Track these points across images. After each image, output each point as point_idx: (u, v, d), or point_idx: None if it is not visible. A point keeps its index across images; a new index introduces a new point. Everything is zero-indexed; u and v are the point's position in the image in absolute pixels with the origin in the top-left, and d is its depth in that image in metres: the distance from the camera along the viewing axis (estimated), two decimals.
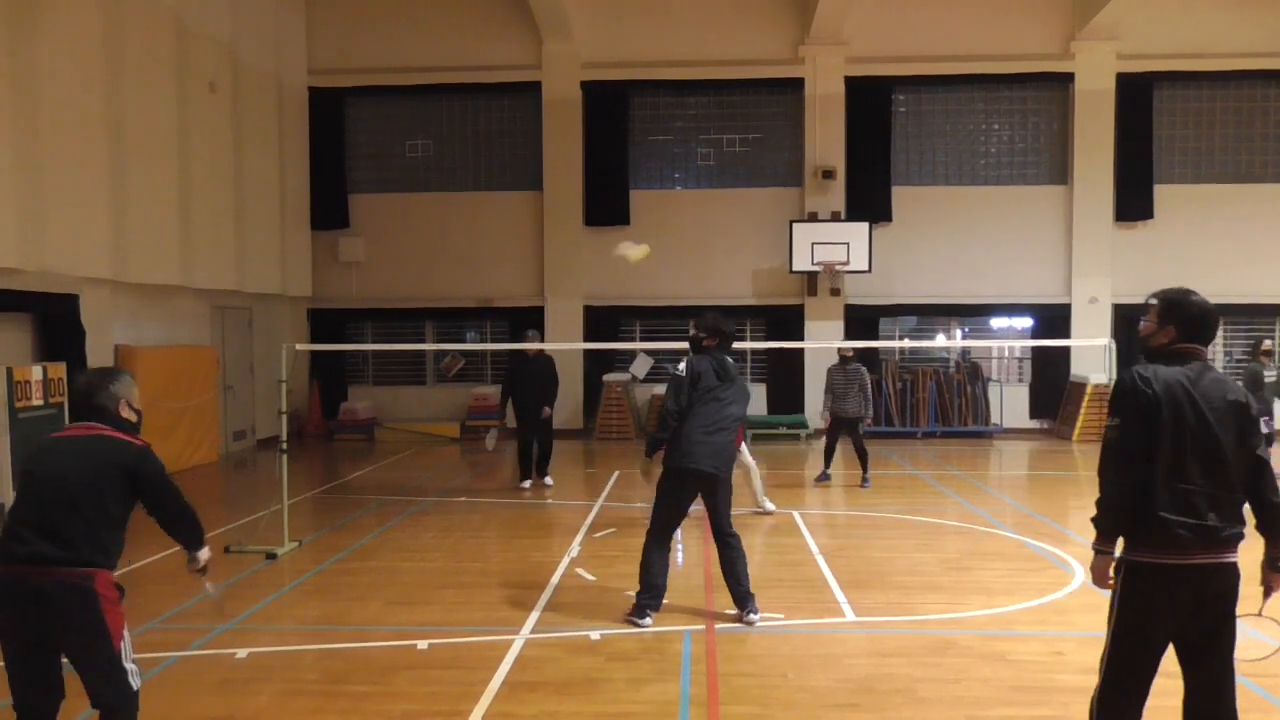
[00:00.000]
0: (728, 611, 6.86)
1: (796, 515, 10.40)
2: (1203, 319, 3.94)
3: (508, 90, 18.47)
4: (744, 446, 10.18)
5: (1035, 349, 18.22)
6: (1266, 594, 3.99)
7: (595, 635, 6.40)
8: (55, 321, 11.75)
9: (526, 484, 12.36)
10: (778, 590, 7.55)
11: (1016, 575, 7.92)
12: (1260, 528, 3.92)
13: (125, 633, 4.11)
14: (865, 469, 12.35)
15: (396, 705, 5.29)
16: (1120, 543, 3.88)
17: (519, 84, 18.29)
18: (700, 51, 18.06)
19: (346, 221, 18.67)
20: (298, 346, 10.09)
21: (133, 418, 4.43)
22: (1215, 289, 17.58)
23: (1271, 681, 5.52)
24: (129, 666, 4.09)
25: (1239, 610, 3.86)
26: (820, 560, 8.48)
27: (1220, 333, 17.93)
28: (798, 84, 18.04)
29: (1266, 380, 12.76)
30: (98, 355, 12.37)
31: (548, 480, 12.50)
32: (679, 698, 5.38)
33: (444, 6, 18.41)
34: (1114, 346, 13.10)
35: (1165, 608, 3.79)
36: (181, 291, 14.63)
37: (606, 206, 18.28)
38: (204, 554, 4.51)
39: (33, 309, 11.54)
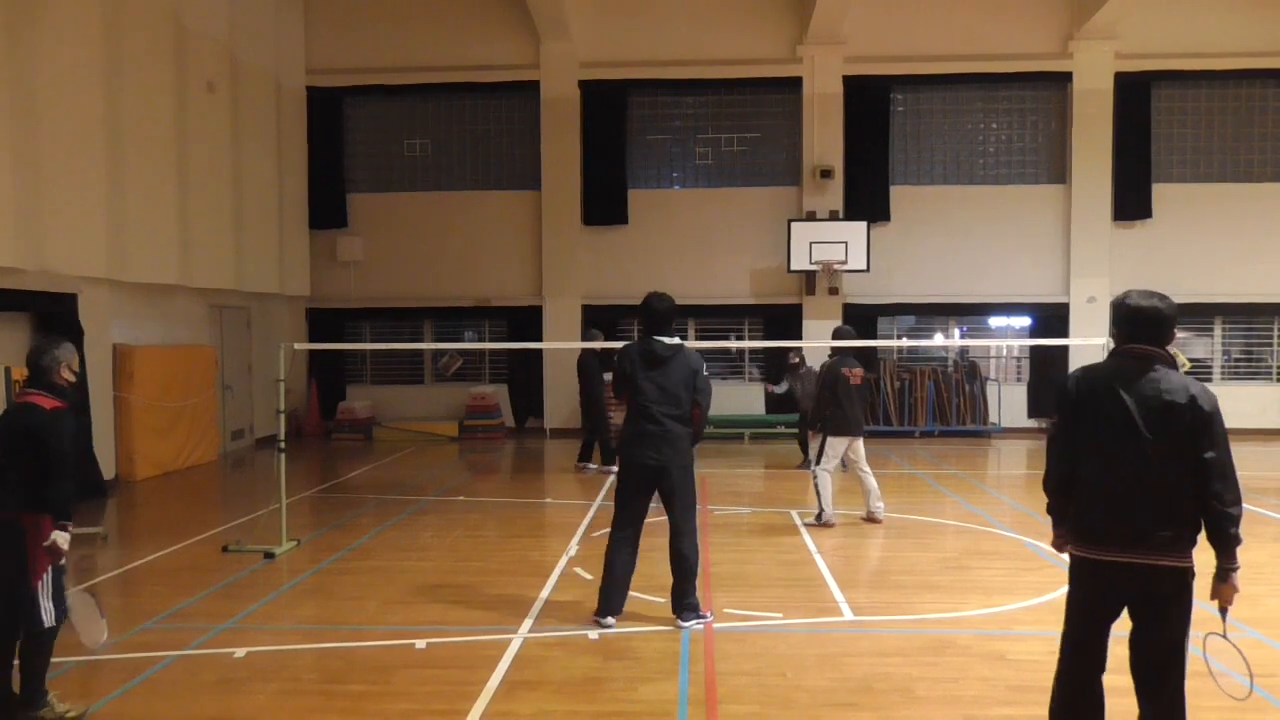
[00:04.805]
0: (726, 610, 6.87)
1: (795, 515, 10.40)
2: (1131, 318, 4.02)
3: (506, 90, 18.47)
4: (862, 453, 10.03)
5: (1033, 348, 18.23)
6: (1221, 611, 3.95)
7: (594, 635, 6.40)
8: (53, 321, 11.72)
9: (594, 466, 13.84)
10: (776, 589, 7.55)
11: (1015, 574, 7.93)
12: (1208, 536, 3.86)
13: (47, 573, 4.92)
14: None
15: (395, 704, 5.29)
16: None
17: (517, 83, 18.30)
18: (698, 51, 18.07)
19: (345, 221, 18.67)
20: (296, 346, 10.07)
21: (71, 378, 5.22)
22: (1213, 288, 17.91)
23: (1269, 681, 5.52)
24: (44, 603, 4.91)
25: (1203, 630, 3.95)
26: (818, 559, 8.48)
27: (1219, 331, 18.11)
28: (796, 83, 18.04)
29: None
30: (96, 354, 12.36)
31: (613, 468, 12.97)
32: (677, 697, 5.38)
33: (442, 6, 18.40)
34: (1112, 346, 13.09)
35: (1096, 597, 4.00)
36: (180, 291, 14.62)
37: (605, 206, 18.28)
38: (61, 537, 4.91)
39: (31, 308, 11.52)
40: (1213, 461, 3.77)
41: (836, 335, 10.25)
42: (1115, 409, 3.90)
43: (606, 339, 18.00)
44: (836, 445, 9.82)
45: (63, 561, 5.00)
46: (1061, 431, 4.08)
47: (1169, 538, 3.81)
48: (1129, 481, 3.86)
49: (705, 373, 6.76)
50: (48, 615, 4.93)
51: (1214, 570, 3.88)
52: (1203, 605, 4.03)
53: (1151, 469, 3.82)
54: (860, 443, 9.98)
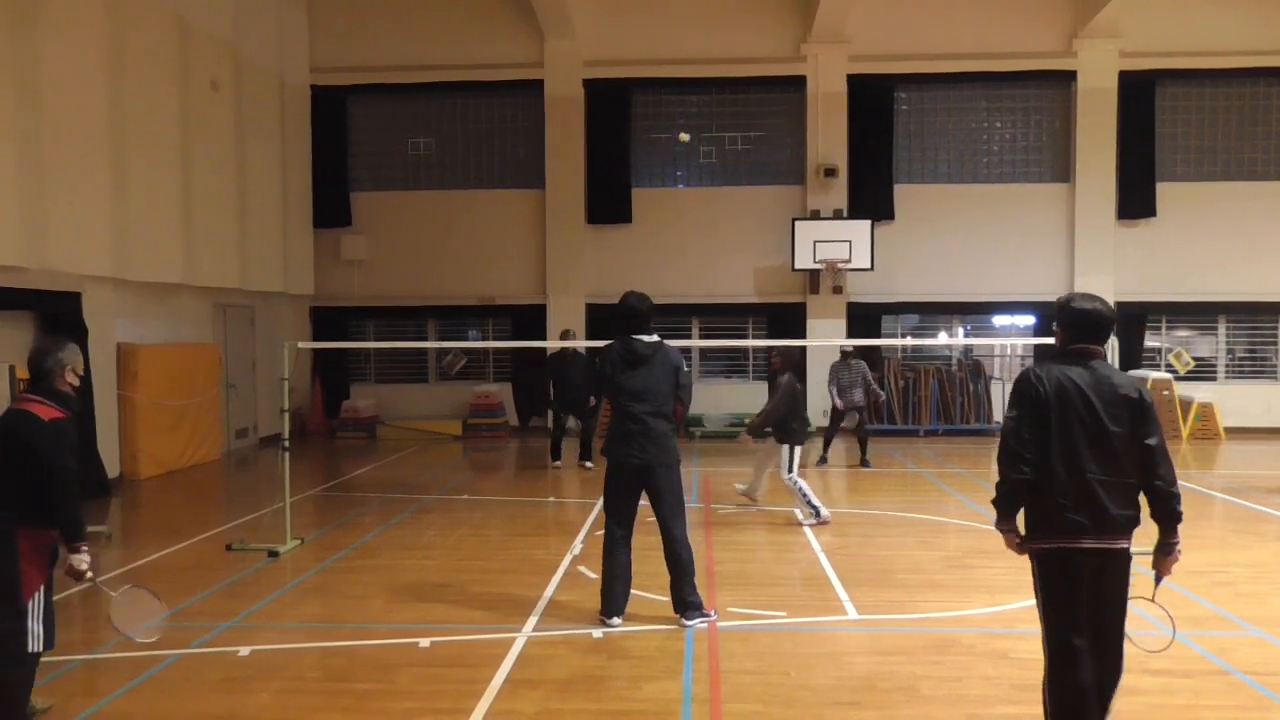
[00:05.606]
0: (730, 609, 6.87)
1: (798, 513, 10.40)
2: (1082, 320, 4.21)
3: (510, 88, 18.47)
4: (785, 463, 10.15)
5: (1037, 347, 18.16)
6: (1157, 579, 4.22)
7: (597, 633, 6.40)
8: (58, 319, 11.74)
9: (558, 463, 14.04)
10: (780, 588, 7.55)
11: (1018, 573, 7.84)
12: (1153, 514, 4.16)
13: (38, 592, 4.51)
14: (865, 450, 13.76)
15: (398, 703, 5.29)
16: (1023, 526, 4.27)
17: (521, 82, 18.29)
18: (702, 49, 18.06)
19: (349, 219, 18.69)
20: (300, 344, 10.09)
21: (75, 382, 4.87)
22: (1217, 287, 17.88)
23: (1272, 680, 5.52)
24: (31, 625, 4.46)
25: (1132, 593, 4.23)
26: (822, 558, 8.48)
27: (1223, 330, 18.07)
28: (800, 82, 18.03)
29: None
30: (100, 353, 12.39)
31: (588, 465, 13.81)
32: (681, 695, 5.38)
33: (446, 5, 18.40)
34: (1115, 345, 13.08)
35: (1075, 588, 4.11)
36: (184, 289, 14.64)
37: (608, 204, 18.29)
38: (80, 559, 4.61)
39: (35, 307, 11.54)
40: (1157, 447, 4.10)
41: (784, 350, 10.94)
42: (1083, 404, 4.10)
43: (612, 338, 18.05)
44: (799, 452, 10.21)
45: (89, 576, 4.68)
46: (1026, 425, 4.17)
47: (1126, 522, 4.10)
48: (1097, 471, 4.07)
49: (686, 368, 6.80)
50: (34, 640, 4.48)
51: (1157, 545, 4.19)
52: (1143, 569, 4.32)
53: (1116, 458, 4.08)
54: None
